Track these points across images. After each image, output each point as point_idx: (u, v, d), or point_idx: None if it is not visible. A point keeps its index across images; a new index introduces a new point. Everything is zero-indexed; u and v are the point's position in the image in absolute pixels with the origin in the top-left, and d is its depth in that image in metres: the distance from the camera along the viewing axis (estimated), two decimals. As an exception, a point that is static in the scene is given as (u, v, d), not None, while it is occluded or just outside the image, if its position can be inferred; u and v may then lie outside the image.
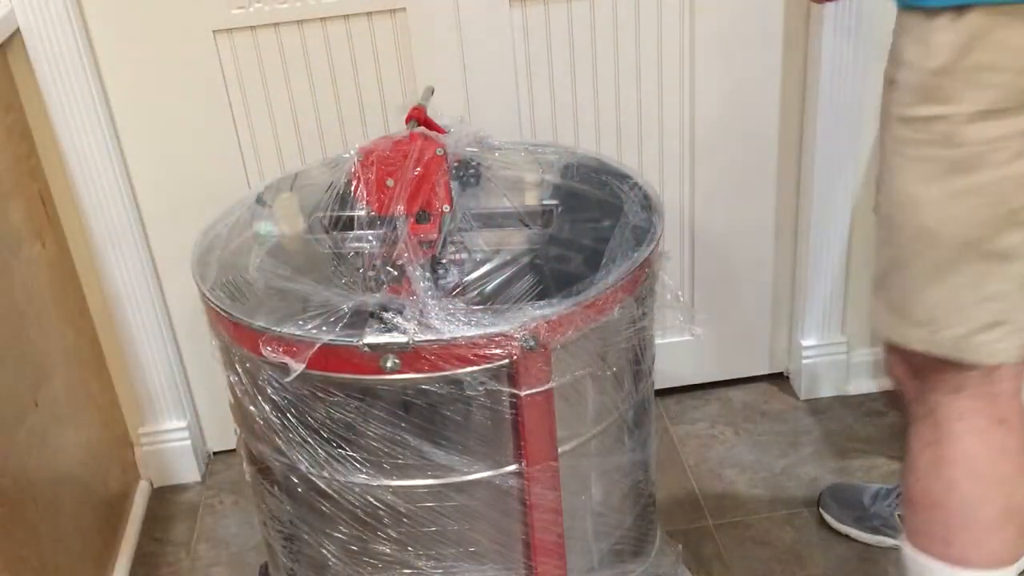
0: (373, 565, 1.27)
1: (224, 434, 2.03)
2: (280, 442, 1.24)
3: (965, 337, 1.13)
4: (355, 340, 1.12)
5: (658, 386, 1.52)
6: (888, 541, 1.72)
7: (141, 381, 1.96)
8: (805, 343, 2.08)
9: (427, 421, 1.18)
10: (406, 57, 1.78)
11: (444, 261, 1.25)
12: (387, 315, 1.13)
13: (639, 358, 1.32)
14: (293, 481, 1.27)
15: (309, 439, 1.22)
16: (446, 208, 1.26)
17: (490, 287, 1.22)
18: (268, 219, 1.40)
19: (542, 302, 1.15)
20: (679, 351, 2.05)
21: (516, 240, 1.31)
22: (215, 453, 2.11)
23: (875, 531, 1.73)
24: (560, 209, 1.37)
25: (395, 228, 1.23)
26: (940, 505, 1.21)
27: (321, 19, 1.74)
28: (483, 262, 1.26)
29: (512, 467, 1.22)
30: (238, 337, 1.21)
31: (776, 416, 2.09)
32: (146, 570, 1.85)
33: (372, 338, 1.12)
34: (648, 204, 1.35)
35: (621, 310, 1.22)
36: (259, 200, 1.45)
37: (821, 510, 1.80)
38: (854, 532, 1.75)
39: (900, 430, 2.00)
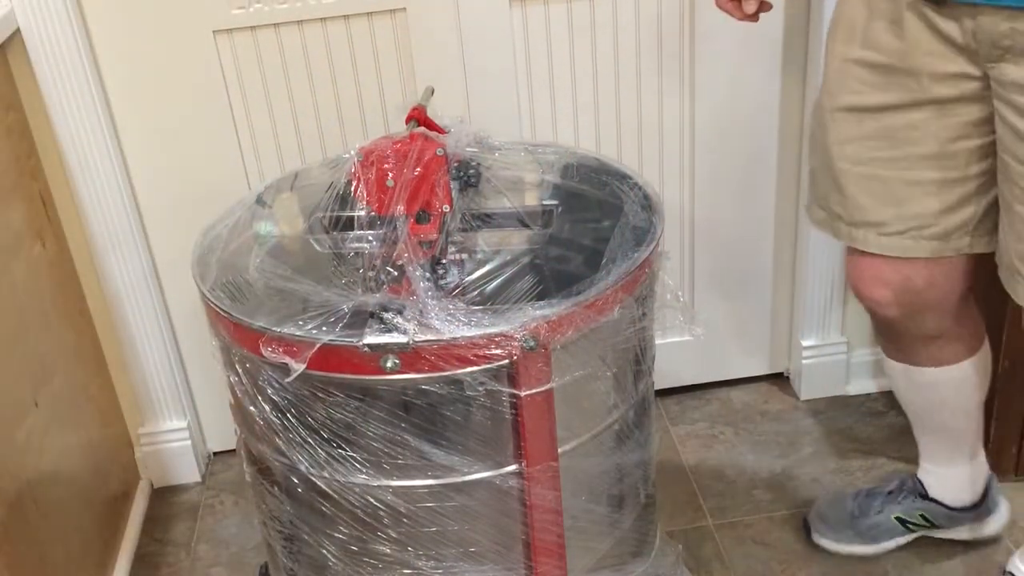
0: (373, 565, 1.27)
1: (224, 434, 2.03)
2: (280, 442, 1.24)
3: None
4: (355, 340, 1.12)
5: (658, 386, 1.51)
6: (891, 545, 1.72)
7: (141, 381, 1.96)
8: (805, 343, 2.08)
9: (427, 421, 1.18)
10: (406, 57, 1.78)
11: (444, 261, 1.25)
12: (387, 315, 1.13)
13: (639, 358, 1.32)
14: (293, 481, 1.27)
15: (309, 439, 1.22)
16: (446, 208, 1.26)
17: (490, 287, 1.22)
18: (268, 219, 1.40)
19: (542, 302, 1.15)
20: (679, 351, 2.05)
21: (516, 240, 1.31)
22: (215, 453, 2.11)
23: (876, 540, 1.71)
24: (560, 209, 1.37)
25: (395, 228, 1.23)
26: None
27: (321, 19, 1.74)
28: (483, 262, 1.25)
29: (512, 467, 1.22)
30: (238, 337, 1.21)
31: (776, 416, 2.09)
32: (146, 570, 1.85)
33: (372, 338, 1.12)
34: (648, 204, 1.35)
35: (621, 310, 1.22)
36: (259, 200, 1.44)
37: (816, 537, 1.75)
38: (859, 549, 1.72)
39: (900, 430, 2.00)
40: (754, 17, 1.41)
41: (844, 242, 1.47)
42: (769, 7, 1.41)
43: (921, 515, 1.69)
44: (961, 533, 1.71)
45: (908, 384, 1.60)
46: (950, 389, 1.57)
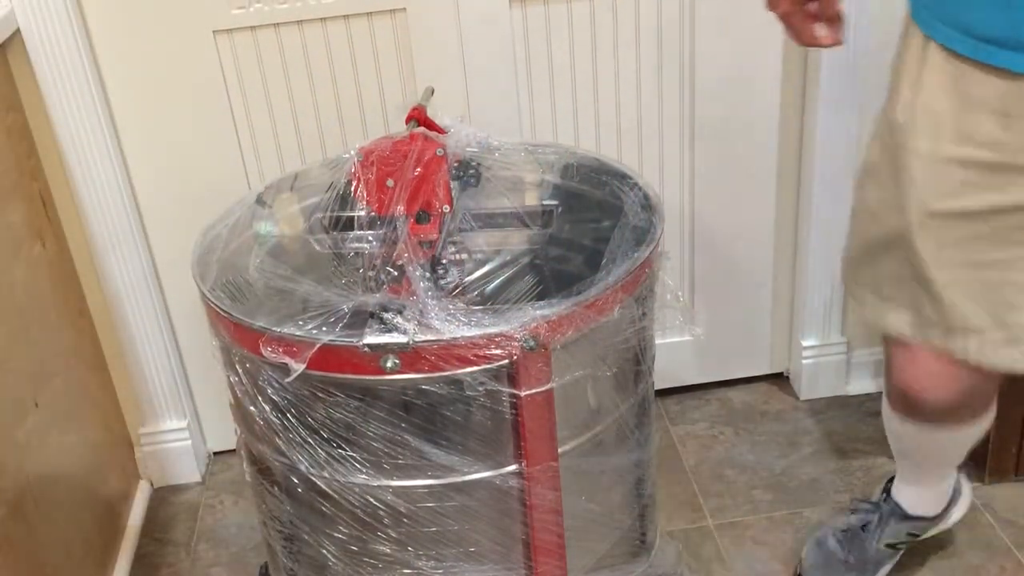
0: (373, 565, 1.27)
1: (224, 434, 2.03)
2: (280, 442, 1.24)
3: None
4: (355, 340, 1.12)
5: (658, 386, 1.51)
6: (888, 569, 1.66)
7: (141, 381, 1.96)
8: (805, 343, 2.08)
9: (427, 421, 1.18)
10: (406, 57, 1.78)
11: (444, 261, 1.25)
12: (387, 315, 1.13)
13: (639, 358, 1.32)
14: (293, 481, 1.27)
15: (309, 439, 1.22)
16: (446, 208, 1.26)
17: (490, 287, 1.22)
18: (268, 219, 1.40)
19: (542, 302, 1.15)
20: (679, 351, 2.05)
21: (516, 240, 1.31)
22: (215, 453, 2.11)
23: (876, 571, 1.65)
24: (560, 209, 1.37)
25: (395, 228, 1.23)
26: None
27: (321, 19, 1.74)
28: (483, 262, 1.25)
29: (512, 467, 1.22)
30: (238, 337, 1.21)
31: (776, 416, 2.09)
32: (146, 570, 1.85)
33: (372, 338, 1.12)
34: (648, 204, 1.35)
35: (621, 310, 1.22)
36: (259, 200, 1.44)
37: None
38: None
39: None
40: (826, 39, 1.20)
41: (936, 350, 1.26)
42: (839, 42, 1.21)
43: (908, 533, 1.63)
44: (941, 526, 1.68)
45: (919, 440, 1.47)
46: (968, 438, 1.49)
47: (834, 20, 1.20)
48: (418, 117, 1.32)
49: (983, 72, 1.08)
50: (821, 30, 1.18)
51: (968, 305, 1.20)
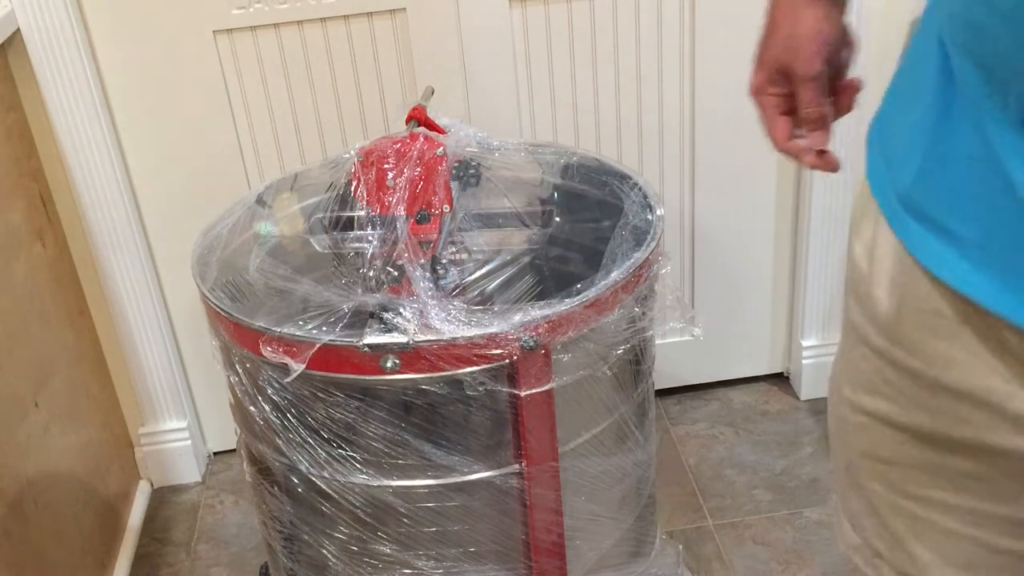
0: (373, 565, 1.27)
1: (224, 434, 2.03)
2: (280, 442, 1.25)
3: None
4: (355, 340, 1.12)
5: (658, 386, 1.52)
6: None
7: (141, 381, 1.96)
8: (805, 343, 2.08)
9: (427, 421, 1.18)
10: (406, 57, 1.78)
11: (444, 261, 1.25)
12: (387, 315, 1.13)
13: (639, 358, 1.32)
14: (293, 481, 1.27)
15: (309, 439, 1.22)
16: (446, 208, 1.26)
17: (490, 287, 1.23)
18: (268, 219, 1.40)
19: (542, 302, 1.15)
20: (679, 351, 2.05)
21: (516, 240, 1.31)
22: (215, 453, 2.11)
23: None
24: (560, 209, 1.37)
25: (395, 228, 1.23)
26: None
27: (321, 19, 1.74)
28: (483, 262, 1.26)
29: (512, 467, 1.22)
30: (238, 337, 1.21)
31: (776, 416, 2.09)
32: (146, 570, 1.85)
33: (372, 338, 1.12)
34: (648, 204, 1.35)
35: (621, 310, 1.22)
36: (259, 200, 1.45)
37: None
38: None
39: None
40: (804, 149, 0.92)
41: None
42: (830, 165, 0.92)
43: None
44: None
45: None
46: None
47: (817, 124, 0.89)
48: (418, 117, 1.33)
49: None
50: (800, 134, 0.87)
51: (919, 548, 0.86)
